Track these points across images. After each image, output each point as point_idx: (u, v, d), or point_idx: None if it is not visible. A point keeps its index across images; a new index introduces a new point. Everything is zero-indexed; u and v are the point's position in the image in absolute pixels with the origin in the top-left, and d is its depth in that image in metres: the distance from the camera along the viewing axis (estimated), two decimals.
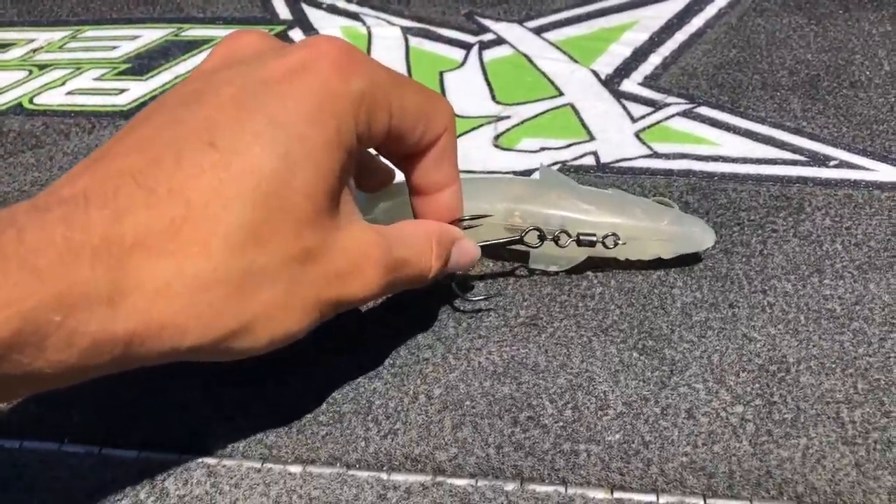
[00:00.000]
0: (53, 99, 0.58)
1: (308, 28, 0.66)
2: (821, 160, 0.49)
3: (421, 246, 0.34)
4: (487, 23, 0.66)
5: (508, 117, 0.55)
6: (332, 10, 0.69)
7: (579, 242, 0.40)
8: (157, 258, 0.25)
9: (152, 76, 0.61)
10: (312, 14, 0.69)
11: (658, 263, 0.42)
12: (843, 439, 0.34)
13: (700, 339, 0.39)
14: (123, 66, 0.62)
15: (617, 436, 0.35)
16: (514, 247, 0.41)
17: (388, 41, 0.64)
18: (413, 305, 0.41)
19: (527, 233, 0.40)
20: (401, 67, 0.61)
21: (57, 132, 0.56)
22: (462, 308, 0.41)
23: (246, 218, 0.26)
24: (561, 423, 0.35)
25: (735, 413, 0.35)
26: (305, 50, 0.30)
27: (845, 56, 0.60)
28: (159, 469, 0.34)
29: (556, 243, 0.40)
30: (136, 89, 0.59)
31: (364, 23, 0.67)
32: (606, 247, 0.40)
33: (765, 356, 0.38)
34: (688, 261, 0.43)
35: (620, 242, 0.40)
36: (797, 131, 0.52)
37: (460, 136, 0.53)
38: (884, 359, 0.37)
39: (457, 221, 0.38)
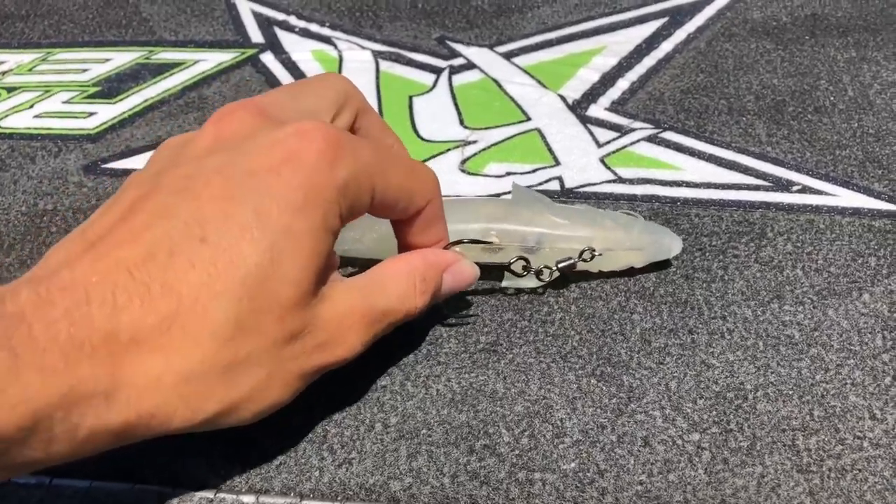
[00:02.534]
0: (21, 122, 0.58)
1: (280, 51, 0.67)
2: (784, 185, 0.50)
3: (403, 289, 0.35)
4: (458, 47, 0.66)
5: (475, 142, 0.55)
6: (305, 33, 0.69)
7: (560, 271, 0.40)
8: (149, 353, 0.27)
9: (121, 99, 0.61)
10: (284, 37, 0.69)
11: (630, 272, 0.43)
12: (797, 467, 0.34)
13: (658, 366, 0.39)
14: (93, 90, 0.62)
15: (572, 464, 0.34)
16: (487, 261, 0.41)
17: (358, 64, 0.64)
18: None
19: (514, 262, 0.40)
20: (371, 91, 0.61)
21: (23, 155, 0.55)
22: (449, 322, 0.42)
23: (232, 311, 0.28)
24: (517, 452, 0.35)
25: (691, 441, 0.35)
26: (294, 138, 0.31)
27: (811, 81, 0.60)
28: (111, 499, 0.34)
29: (538, 277, 0.41)
30: (105, 112, 0.59)
31: (335, 46, 0.67)
32: (584, 261, 0.40)
33: (722, 383, 0.38)
34: (658, 268, 0.43)
35: (597, 254, 0.40)
36: (761, 156, 0.52)
37: (428, 160, 0.53)
38: (840, 385, 0.37)
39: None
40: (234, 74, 0.64)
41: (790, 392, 0.37)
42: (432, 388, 0.38)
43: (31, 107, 0.60)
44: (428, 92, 0.61)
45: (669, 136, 0.55)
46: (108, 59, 0.66)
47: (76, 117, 0.59)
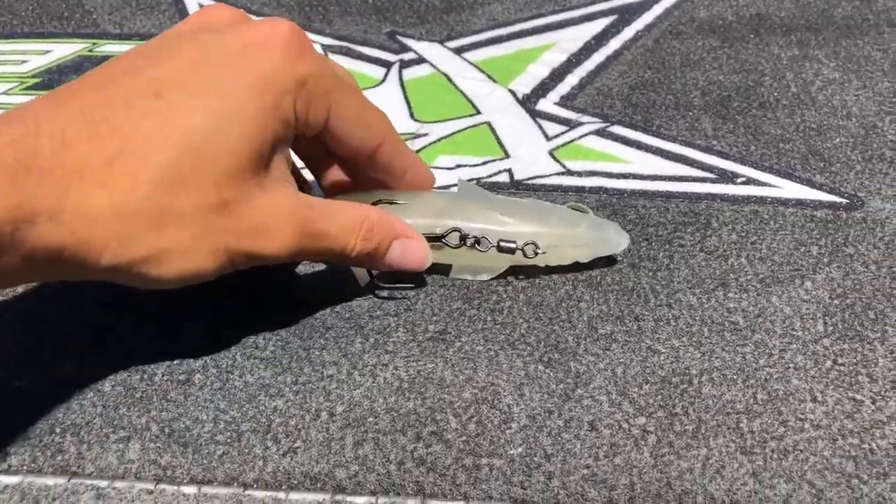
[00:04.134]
0: None
1: None
2: (729, 177, 0.50)
3: (349, 224, 0.36)
4: (409, 42, 0.66)
5: (426, 135, 0.55)
6: None
7: (499, 248, 0.40)
8: (91, 186, 0.29)
9: None
10: None
11: (577, 267, 0.43)
12: (741, 449, 0.34)
13: (605, 352, 0.39)
14: (32, 81, 0.60)
15: (519, 449, 0.34)
16: (437, 261, 0.41)
17: None
18: (320, 324, 0.40)
19: (448, 233, 0.40)
20: None
21: None
22: (376, 294, 0.42)
23: (173, 162, 0.30)
24: (464, 438, 0.35)
25: (637, 425, 0.35)
26: (267, 27, 0.34)
27: (755, 78, 0.61)
28: (44, 493, 0.33)
29: (477, 246, 0.40)
30: None
31: None
32: (526, 255, 0.40)
33: (668, 368, 0.38)
34: (605, 262, 0.44)
35: (540, 252, 0.40)
36: (707, 149, 0.53)
37: None
38: (783, 370, 0.38)
39: None
40: None
41: (734, 377, 0.37)
42: (380, 376, 0.38)
43: None
44: (377, 85, 0.61)
45: (617, 130, 0.55)
46: (48, 51, 0.64)
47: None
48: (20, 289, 0.42)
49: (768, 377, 0.37)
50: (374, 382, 0.37)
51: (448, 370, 0.38)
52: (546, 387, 0.37)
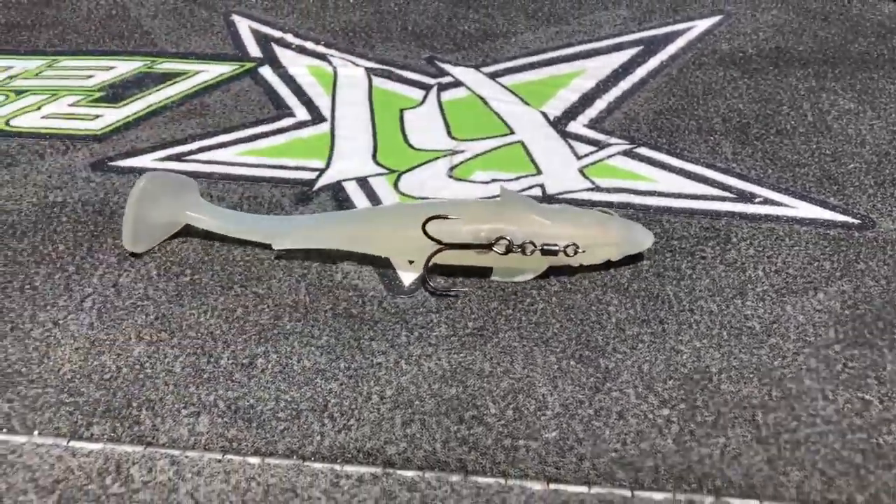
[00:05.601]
0: (29, 122, 0.61)
1: (277, 66, 0.70)
2: (747, 197, 0.54)
3: None
4: (446, 67, 0.70)
5: (463, 151, 0.59)
6: (301, 50, 0.73)
7: (543, 252, 0.44)
8: None
9: (126, 104, 0.64)
10: (282, 53, 0.72)
11: (605, 266, 0.46)
12: (757, 439, 0.37)
13: (632, 351, 0.42)
14: (98, 94, 0.65)
15: (553, 433, 0.38)
16: (480, 263, 0.45)
17: (352, 79, 0.68)
18: (370, 318, 0.44)
19: (496, 242, 0.43)
20: (363, 104, 0.64)
21: (32, 152, 0.58)
22: (431, 292, 0.45)
23: None
24: (503, 422, 0.38)
25: (661, 415, 0.39)
26: None
27: (773, 107, 0.65)
28: (124, 459, 0.36)
29: (524, 252, 0.43)
30: (110, 115, 0.62)
31: (331, 63, 0.70)
32: (567, 255, 0.44)
33: (690, 366, 0.41)
34: (630, 262, 0.47)
35: (580, 251, 0.44)
36: (727, 171, 0.57)
37: (418, 166, 0.57)
38: (797, 370, 0.41)
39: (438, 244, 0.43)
40: (234, 85, 0.67)
41: (751, 375, 0.41)
42: (424, 365, 0.41)
43: (39, 108, 0.63)
44: (418, 106, 0.65)
45: (643, 151, 0.59)
46: (111, 67, 0.69)
47: (83, 119, 0.61)
48: (96, 280, 0.46)
49: (782, 377, 0.41)
50: (419, 371, 0.41)
51: (487, 362, 0.41)
52: (577, 380, 0.40)
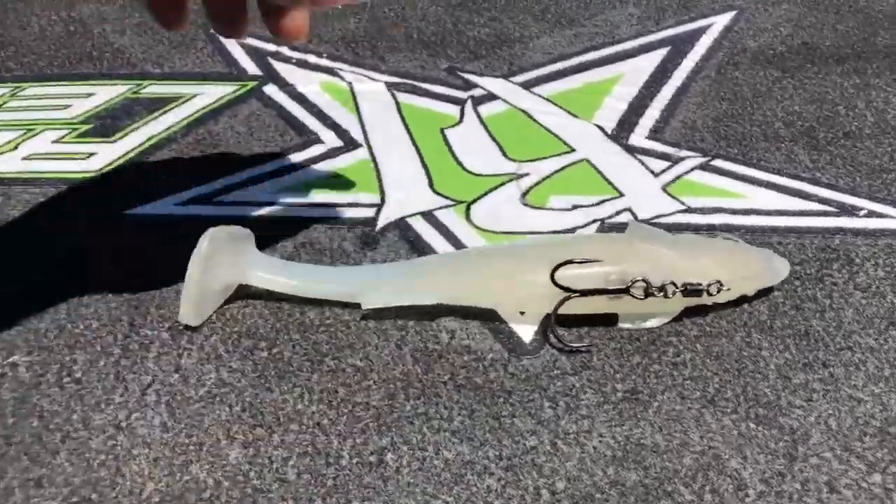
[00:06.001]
0: (8, 165, 0.50)
1: (283, 83, 0.62)
2: (849, 210, 0.49)
3: None
4: (472, 78, 0.63)
5: (528, 174, 0.52)
6: (304, 65, 0.64)
7: (685, 293, 0.38)
8: None
9: (120, 137, 0.54)
10: (283, 69, 0.64)
11: (736, 302, 0.41)
12: None
13: (809, 404, 0.37)
14: (83, 127, 0.55)
15: None
16: (605, 310, 0.39)
17: (374, 97, 0.60)
18: (499, 388, 0.37)
19: (633, 284, 0.37)
20: (397, 124, 0.57)
21: (21, 203, 0.48)
22: (559, 348, 0.39)
23: None
24: None
25: (875, 483, 0.33)
26: None
27: (829, 108, 0.61)
28: None
29: (665, 295, 0.38)
30: (105, 153, 0.53)
31: (343, 78, 0.62)
32: (710, 294, 0.38)
33: (880, 417, 0.36)
34: (762, 294, 0.42)
35: (724, 288, 0.38)
36: (815, 182, 0.52)
37: (485, 194, 0.50)
38: None
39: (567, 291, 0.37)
40: (241, 108, 0.59)
41: None
42: (587, 445, 0.35)
43: (16, 148, 0.52)
44: (458, 124, 0.58)
45: (719, 163, 0.54)
46: (90, 94, 0.59)
47: (73, 158, 0.52)
48: (152, 363, 0.37)
49: None
50: (584, 452, 0.34)
51: (658, 434, 0.35)
52: (766, 446, 0.35)
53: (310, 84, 0.62)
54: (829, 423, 0.36)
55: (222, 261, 0.39)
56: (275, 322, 0.40)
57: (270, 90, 0.61)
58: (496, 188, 0.51)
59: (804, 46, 0.71)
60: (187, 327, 0.40)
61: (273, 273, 0.40)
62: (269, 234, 0.46)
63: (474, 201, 0.50)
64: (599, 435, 0.35)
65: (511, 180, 0.52)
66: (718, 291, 0.39)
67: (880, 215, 0.49)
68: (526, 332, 0.40)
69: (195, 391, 0.37)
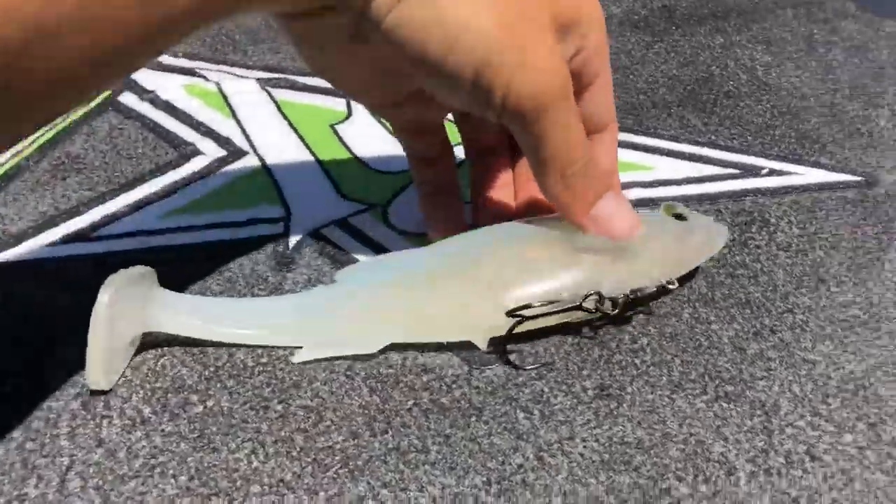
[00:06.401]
0: None
1: (141, 91, 0.55)
2: (751, 170, 0.50)
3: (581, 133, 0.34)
4: None
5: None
6: (159, 66, 0.58)
7: (635, 300, 0.37)
8: None
9: None
10: (137, 74, 0.57)
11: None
12: None
13: (769, 373, 0.37)
14: None
15: (766, 500, 0.31)
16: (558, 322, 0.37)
17: (248, 96, 0.55)
18: (468, 406, 0.35)
19: (586, 298, 0.36)
20: (282, 125, 0.52)
21: None
22: (519, 374, 0.36)
23: None
24: (704, 503, 0.31)
25: (848, 443, 0.34)
26: None
27: (703, 69, 0.62)
28: None
29: (614, 306, 0.37)
30: None
31: (207, 78, 0.57)
32: (665, 291, 0.37)
33: (835, 377, 0.37)
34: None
35: (673, 285, 0.38)
36: (714, 145, 0.53)
37: (398, 194, 0.47)
38: None
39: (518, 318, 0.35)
40: (99, 124, 0.52)
41: (895, 371, 0.37)
42: (573, 454, 0.33)
43: None
44: (347, 119, 0.54)
45: (621, 136, 0.53)
46: None
47: None
48: (65, 442, 0.32)
49: None
50: (571, 462, 0.32)
51: (639, 429, 0.34)
52: (742, 424, 0.34)
53: (172, 89, 0.55)
54: (793, 389, 0.36)
55: (126, 310, 0.34)
56: (202, 370, 0.36)
57: (128, 100, 0.54)
58: (409, 185, 0.48)
59: (664, 9, 0.72)
60: (99, 392, 0.34)
61: (187, 315, 0.35)
62: (168, 268, 0.40)
63: (389, 202, 0.46)
64: (582, 440, 0.33)
65: None
66: (668, 286, 0.38)
67: (780, 172, 0.51)
68: (481, 341, 0.37)
69: (127, 466, 0.31)
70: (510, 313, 0.35)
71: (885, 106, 0.58)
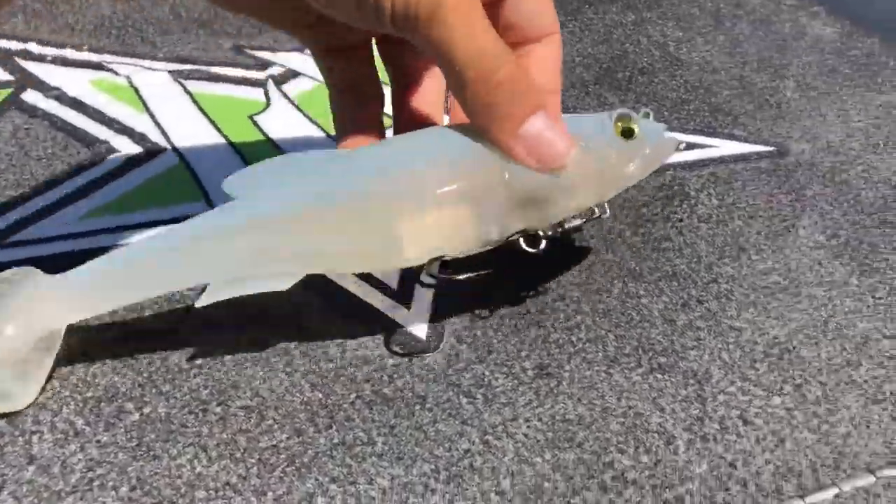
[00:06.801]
0: None
1: (45, 87, 0.53)
2: None
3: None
4: (264, 55, 0.58)
5: None
6: (62, 62, 0.56)
7: (567, 231, 0.36)
8: None
9: None
10: (39, 70, 0.55)
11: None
12: (870, 399, 0.36)
13: (699, 343, 0.38)
14: None
15: (704, 466, 0.33)
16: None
17: (160, 90, 0.53)
18: (412, 395, 0.35)
19: (515, 237, 0.34)
20: (198, 119, 0.51)
21: None
22: (460, 360, 0.36)
23: None
24: (647, 472, 0.32)
25: (776, 405, 0.35)
26: None
27: (618, 47, 0.63)
28: None
29: (545, 236, 0.35)
30: None
31: (116, 72, 0.55)
32: (596, 217, 0.37)
33: (761, 342, 0.38)
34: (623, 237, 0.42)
35: (605, 213, 0.37)
36: None
37: None
38: (844, 316, 0.40)
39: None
40: (2, 125, 0.49)
41: (816, 334, 0.39)
42: (517, 434, 0.33)
43: None
44: (266, 109, 0.53)
45: None
46: None
47: None
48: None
49: (839, 326, 0.39)
50: (516, 443, 0.33)
51: (580, 406, 0.35)
52: (677, 394, 0.36)
53: (79, 84, 0.53)
54: (723, 357, 0.37)
55: (10, 314, 0.32)
56: (134, 376, 0.35)
57: (32, 97, 0.52)
58: None
59: None
60: (26, 407, 0.33)
61: (80, 291, 0.33)
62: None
63: None
64: (525, 420, 0.34)
65: None
66: (600, 216, 0.37)
67: (698, 146, 0.52)
68: (420, 328, 0.37)
69: (63, 481, 0.30)
70: (431, 261, 0.33)
71: (790, 77, 0.60)
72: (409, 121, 0.37)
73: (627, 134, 0.36)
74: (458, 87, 0.30)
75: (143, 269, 0.33)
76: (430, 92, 0.37)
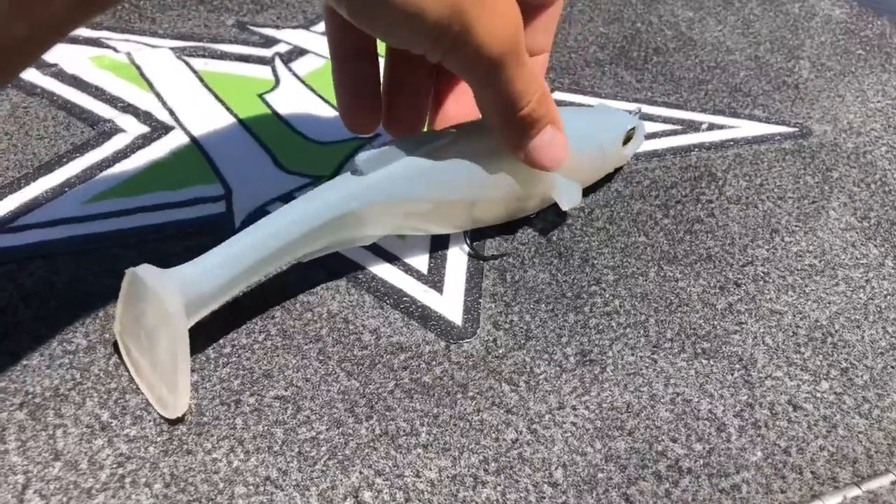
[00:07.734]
0: None
1: (45, 65, 0.50)
2: (692, 126, 0.51)
3: (536, 77, 0.32)
4: (269, 32, 0.56)
5: (379, 135, 0.47)
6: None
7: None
8: None
9: None
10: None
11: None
12: None
13: (741, 327, 0.37)
14: None
15: (758, 453, 0.32)
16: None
17: (162, 67, 0.51)
18: (452, 383, 0.33)
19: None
20: (205, 96, 0.49)
21: None
22: (499, 346, 0.35)
23: None
24: (701, 462, 0.31)
25: (825, 390, 0.34)
26: None
27: (629, 26, 0.62)
28: None
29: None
30: None
31: (115, 49, 0.52)
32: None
33: (803, 325, 0.37)
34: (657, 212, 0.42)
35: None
36: (652, 102, 0.53)
37: (342, 165, 0.45)
38: (882, 299, 0.39)
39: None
40: (0, 102, 0.47)
41: (857, 317, 0.38)
42: (565, 424, 0.32)
43: None
44: (275, 87, 0.51)
45: (558, 96, 0.53)
46: None
47: None
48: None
49: (879, 309, 0.39)
50: (565, 432, 0.32)
51: (627, 393, 0.33)
52: (724, 379, 0.34)
53: (79, 61, 0.51)
54: (766, 341, 0.36)
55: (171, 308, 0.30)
56: None
57: (31, 75, 0.49)
58: (350, 156, 0.45)
59: None
60: (46, 400, 0.31)
61: (216, 286, 0.31)
62: (105, 257, 0.37)
63: (335, 174, 0.44)
64: (573, 409, 0.32)
65: (363, 145, 0.46)
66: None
67: (720, 126, 0.51)
68: (454, 313, 0.36)
69: (93, 478, 0.28)
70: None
71: (805, 58, 0.59)
72: (444, 119, 0.39)
73: (626, 140, 0.43)
74: (494, 112, 0.33)
75: (280, 244, 0.32)
76: (467, 92, 0.38)
